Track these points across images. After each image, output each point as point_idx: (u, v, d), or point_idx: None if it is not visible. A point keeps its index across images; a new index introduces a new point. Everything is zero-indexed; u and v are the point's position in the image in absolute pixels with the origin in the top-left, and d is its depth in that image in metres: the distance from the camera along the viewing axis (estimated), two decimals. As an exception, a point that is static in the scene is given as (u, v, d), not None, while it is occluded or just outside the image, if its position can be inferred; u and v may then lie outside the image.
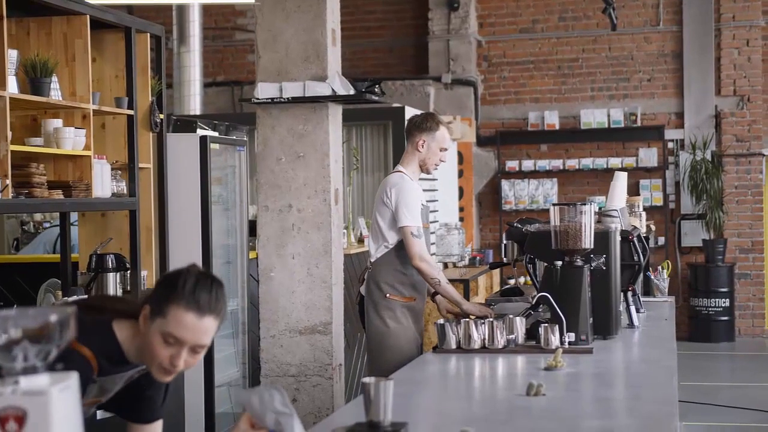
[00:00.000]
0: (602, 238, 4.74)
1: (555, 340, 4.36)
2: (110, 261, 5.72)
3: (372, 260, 5.48)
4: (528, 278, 6.30)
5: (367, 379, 2.81)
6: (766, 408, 8.76)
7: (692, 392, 9.36)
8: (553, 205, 4.70)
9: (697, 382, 10.10)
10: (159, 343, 2.72)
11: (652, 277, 6.57)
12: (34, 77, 5.09)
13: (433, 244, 9.98)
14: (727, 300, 12.64)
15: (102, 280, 5.70)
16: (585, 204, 4.63)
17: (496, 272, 11.11)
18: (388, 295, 5.38)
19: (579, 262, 4.60)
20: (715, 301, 12.61)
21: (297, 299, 5.87)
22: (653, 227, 12.27)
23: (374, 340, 5.45)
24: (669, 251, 12.98)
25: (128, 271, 5.86)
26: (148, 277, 6.14)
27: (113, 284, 5.71)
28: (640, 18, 13.26)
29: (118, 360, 2.82)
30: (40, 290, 6.17)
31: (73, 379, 1.88)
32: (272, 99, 5.83)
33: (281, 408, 2.46)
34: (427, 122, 5.47)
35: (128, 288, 5.89)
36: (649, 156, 13.05)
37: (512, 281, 10.83)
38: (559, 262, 4.60)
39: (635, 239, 5.27)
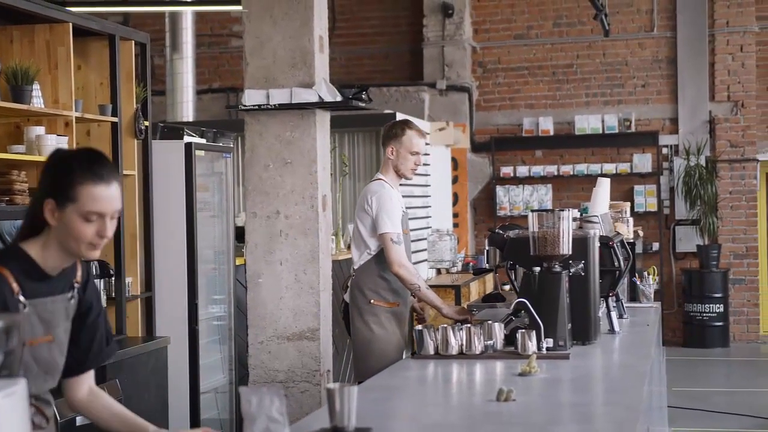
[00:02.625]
0: (581, 244, 4.74)
1: (532, 346, 4.37)
2: (94, 268, 5.73)
3: (355, 267, 5.52)
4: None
5: (330, 385, 2.85)
6: (759, 414, 8.75)
7: (685, 398, 9.37)
8: (532, 211, 4.71)
9: (691, 388, 10.10)
10: (81, 224, 2.81)
11: (638, 282, 6.56)
12: (15, 85, 5.11)
13: (423, 251, 10.00)
14: (722, 305, 12.63)
15: (86, 286, 5.71)
16: (563, 210, 4.63)
17: (490, 278, 11.09)
18: (372, 301, 5.42)
19: (557, 268, 4.60)
20: (710, 307, 12.61)
21: (285, 305, 5.86)
22: (641, 233, 12.25)
23: (360, 345, 5.48)
24: (663, 257, 12.99)
25: (113, 278, 5.87)
26: (133, 284, 6.15)
27: (97, 291, 5.72)
28: (634, 24, 13.27)
29: (38, 276, 2.86)
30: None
31: (20, 385, 1.90)
32: (259, 106, 5.83)
33: (276, 415, 2.47)
34: (393, 129, 5.52)
35: (113, 295, 5.90)
36: (643, 162, 13.05)
37: (507, 287, 10.79)
38: (538, 268, 4.60)
39: (616, 245, 5.27)
